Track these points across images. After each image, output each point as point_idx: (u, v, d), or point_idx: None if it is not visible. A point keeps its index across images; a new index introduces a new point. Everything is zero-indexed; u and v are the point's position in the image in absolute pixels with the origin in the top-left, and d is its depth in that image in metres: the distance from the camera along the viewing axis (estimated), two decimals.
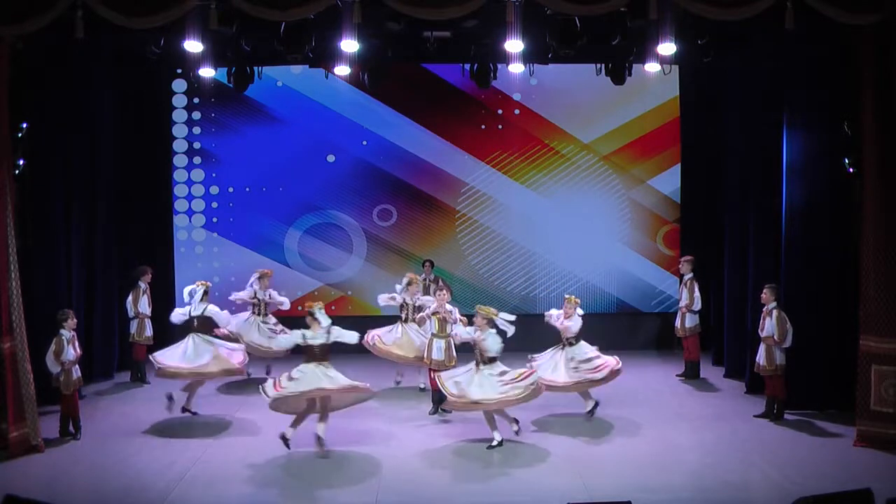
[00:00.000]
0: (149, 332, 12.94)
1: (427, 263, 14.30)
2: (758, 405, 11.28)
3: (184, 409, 11.25)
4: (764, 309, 10.98)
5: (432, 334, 11.46)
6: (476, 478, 9.18)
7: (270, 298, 13.06)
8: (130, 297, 12.92)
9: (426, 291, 13.02)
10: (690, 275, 13.25)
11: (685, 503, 8.52)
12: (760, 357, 11.02)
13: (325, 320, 9.99)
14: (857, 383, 10.00)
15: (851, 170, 10.94)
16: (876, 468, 9.14)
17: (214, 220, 15.21)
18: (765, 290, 11.02)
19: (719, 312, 13.75)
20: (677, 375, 13.37)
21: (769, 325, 10.85)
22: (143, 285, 12.98)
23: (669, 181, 15.23)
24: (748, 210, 12.56)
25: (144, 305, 12.93)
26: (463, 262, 15.28)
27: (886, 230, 9.79)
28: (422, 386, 12.41)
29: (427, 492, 8.80)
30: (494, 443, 10.04)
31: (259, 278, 12.99)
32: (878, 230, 9.82)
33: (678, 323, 13.36)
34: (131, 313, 12.92)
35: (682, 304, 13.25)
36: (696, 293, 13.16)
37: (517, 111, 15.18)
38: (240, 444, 10.22)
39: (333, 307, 14.55)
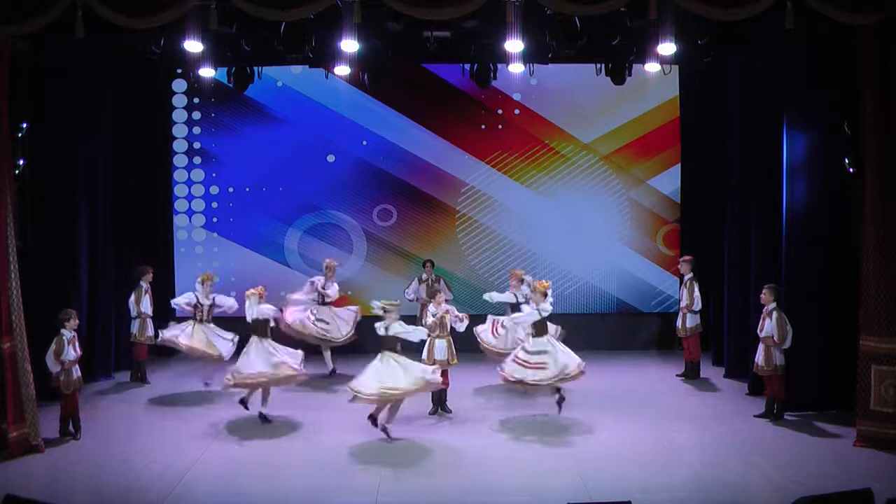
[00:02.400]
0: (150, 331, 12.89)
1: (427, 263, 14.31)
2: (758, 405, 11.27)
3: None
4: (764, 309, 10.97)
5: (433, 334, 11.43)
6: (476, 478, 9.16)
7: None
8: (133, 297, 12.88)
9: (429, 292, 13.00)
10: (690, 275, 13.24)
11: (685, 503, 8.53)
12: (759, 357, 11.01)
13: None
14: (857, 383, 9.99)
15: (851, 170, 10.93)
16: (876, 468, 9.13)
17: (214, 220, 15.20)
18: (764, 291, 11.00)
19: (719, 312, 13.73)
20: (677, 375, 13.36)
21: (769, 325, 10.84)
22: (144, 285, 12.95)
23: (669, 181, 15.22)
24: (748, 210, 12.56)
25: (147, 305, 12.90)
26: (463, 262, 15.27)
27: (886, 230, 9.77)
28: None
29: (427, 492, 8.79)
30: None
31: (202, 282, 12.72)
32: (878, 230, 9.81)
33: (679, 323, 13.34)
34: (133, 313, 12.89)
35: (683, 304, 13.25)
36: (696, 293, 13.15)
37: (517, 111, 15.17)
38: (240, 445, 10.22)
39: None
